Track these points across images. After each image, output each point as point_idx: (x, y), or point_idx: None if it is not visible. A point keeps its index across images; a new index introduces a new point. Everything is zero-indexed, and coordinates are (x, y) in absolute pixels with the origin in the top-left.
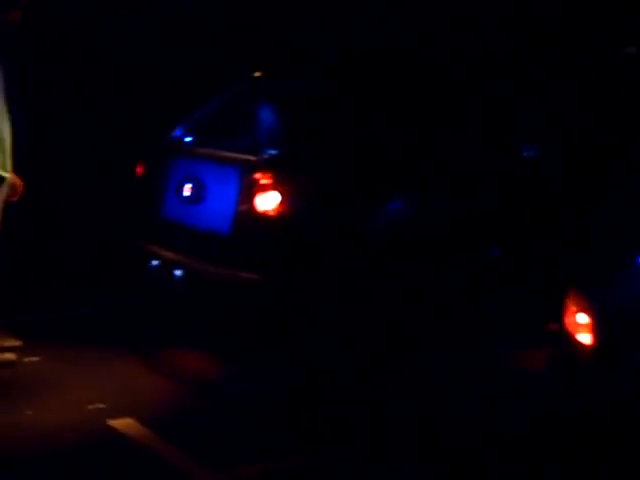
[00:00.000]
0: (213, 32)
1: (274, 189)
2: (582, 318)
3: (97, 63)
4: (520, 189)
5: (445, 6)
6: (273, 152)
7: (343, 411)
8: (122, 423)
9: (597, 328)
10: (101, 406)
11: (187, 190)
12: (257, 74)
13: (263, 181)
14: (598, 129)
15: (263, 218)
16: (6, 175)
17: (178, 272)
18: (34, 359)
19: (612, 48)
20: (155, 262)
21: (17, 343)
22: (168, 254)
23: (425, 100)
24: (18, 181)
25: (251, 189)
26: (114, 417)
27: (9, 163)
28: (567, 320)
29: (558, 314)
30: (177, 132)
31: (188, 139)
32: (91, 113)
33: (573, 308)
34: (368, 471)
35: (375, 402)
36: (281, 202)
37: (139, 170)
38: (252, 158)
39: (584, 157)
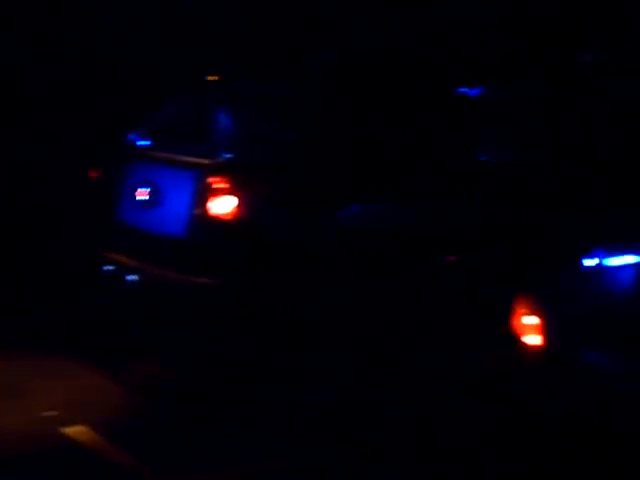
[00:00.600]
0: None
1: (230, 193)
2: (530, 320)
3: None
4: (475, 193)
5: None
6: (229, 156)
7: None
8: (75, 430)
9: (545, 329)
10: (55, 413)
11: (143, 194)
12: (212, 78)
13: (219, 185)
14: (556, 135)
15: (219, 222)
16: None
17: (132, 277)
18: None
19: (569, 55)
20: (109, 267)
21: None
22: (123, 259)
23: (376, 104)
24: None
25: (207, 193)
26: (67, 424)
27: None
28: (516, 322)
29: (508, 317)
30: (133, 136)
31: (144, 143)
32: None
33: (521, 311)
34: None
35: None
36: (237, 206)
37: (93, 175)
38: (208, 162)
39: (540, 161)
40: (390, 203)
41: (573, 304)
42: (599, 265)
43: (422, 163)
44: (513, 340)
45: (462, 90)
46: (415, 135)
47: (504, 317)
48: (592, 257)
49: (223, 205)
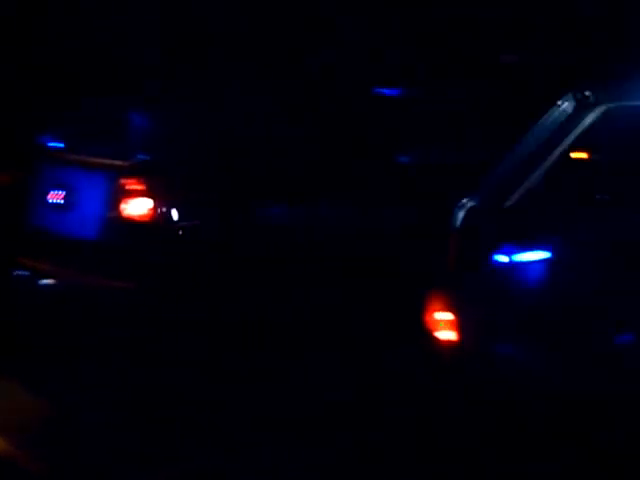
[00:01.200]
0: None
1: (145, 195)
2: (443, 316)
3: None
4: (393, 194)
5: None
6: (144, 157)
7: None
8: None
9: (458, 325)
10: None
11: (56, 197)
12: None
13: (134, 187)
14: (462, 136)
15: (135, 224)
16: None
17: (47, 282)
18: None
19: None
20: (23, 272)
21: None
22: (37, 264)
23: (291, 104)
24: None
25: (122, 195)
26: None
27: None
28: (429, 318)
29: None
30: (45, 137)
31: (56, 145)
32: None
33: (434, 306)
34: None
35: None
36: (152, 208)
37: (4, 179)
38: (123, 164)
39: (445, 162)
40: (306, 203)
41: (486, 299)
42: (511, 260)
43: (338, 163)
44: (427, 336)
45: (379, 90)
46: (329, 135)
47: (418, 313)
48: (504, 253)
49: (138, 207)
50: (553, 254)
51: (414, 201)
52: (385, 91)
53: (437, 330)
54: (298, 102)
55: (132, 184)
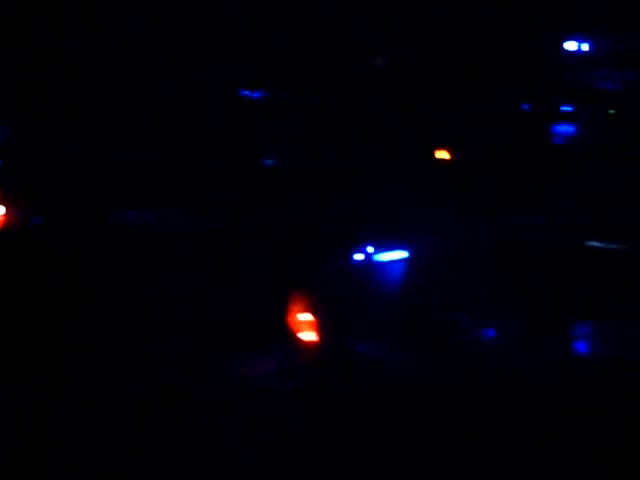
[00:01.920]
0: None
1: None
2: (305, 317)
3: None
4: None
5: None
6: None
7: None
8: None
9: (318, 325)
10: None
11: None
12: None
13: None
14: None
15: None
16: None
17: None
18: None
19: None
20: None
21: None
22: None
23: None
24: None
25: None
26: None
27: None
28: (292, 320)
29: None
30: None
31: None
32: None
33: (296, 307)
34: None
35: None
36: (4, 215)
37: None
38: None
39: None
40: (169, 206)
41: (345, 299)
42: (369, 260)
43: (199, 166)
44: (291, 338)
45: (245, 93)
46: (191, 138)
47: (282, 315)
48: (362, 253)
49: None
50: (406, 255)
51: (279, 203)
52: (248, 93)
53: (300, 331)
54: (160, 104)
55: None
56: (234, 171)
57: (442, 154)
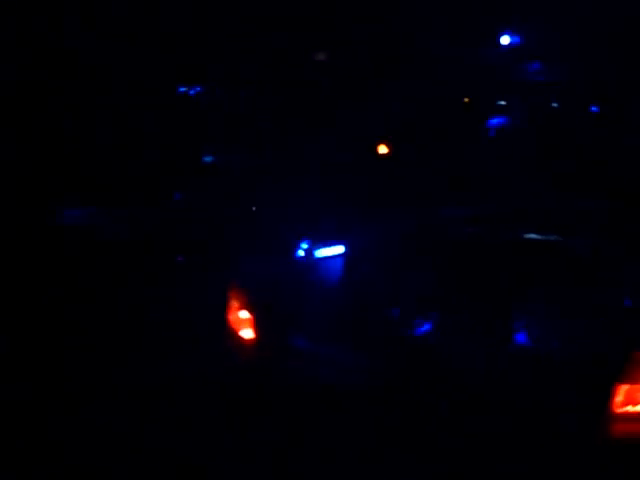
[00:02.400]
0: None
1: None
2: (244, 314)
3: None
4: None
5: None
6: None
7: None
8: None
9: (256, 322)
10: None
11: None
12: None
13: None
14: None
15: None
16: None
17: None
18: None
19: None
20: None
21: None
22: None
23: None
24: None
25: None
26: None
27: None
28: (231, 317)
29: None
30: None
31: None
32: None
33: (235, 305)
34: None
35: None
36: None
37: None
38: None
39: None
40: (100, 205)
41: (283, 295)
42: (308, 256)
43: (133, 164)
44: (231, 336)
45: (182, 89)
46: (125, 135)
47: (222, 314)
48: (301, 249)
49: None
50: (342, 251)
51: (214, 200)
52: (183, 89)
53: (240, 329)
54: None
55: None
56: (170, 167)
57: (376, 148)
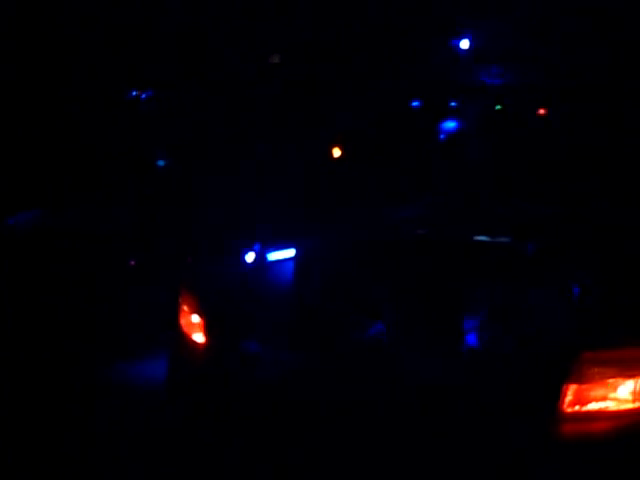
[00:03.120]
0: None
1: None
2: (195, 318)
3: None
4: (155, 199)
5: None
6: None
7: None
8: None
9: (206, 326)
10: None
11: None
12: None
13: None
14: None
15: None
16: None
17: None
18: None
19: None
20: None
21: None
22: None
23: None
24: None
25: None
26: None
27: None
28: (182, 321)
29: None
30: None
31: None
32: None
33: (186, 309)
34: None
35: None
36: None
37: None
38: None
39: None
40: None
41: (234, 299)
42: (259, 259)
43: (89, 166)
44: (179, 340)
45: (134, 93)
46: (80, 139)
47: (172, 318)
48: (252, 252)
49: None
50: (294, 254)
51: (167, 203)
52: (138, 93)
53: (191, 333)
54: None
55: None
56: (126, 171)
57: (329, 150)
